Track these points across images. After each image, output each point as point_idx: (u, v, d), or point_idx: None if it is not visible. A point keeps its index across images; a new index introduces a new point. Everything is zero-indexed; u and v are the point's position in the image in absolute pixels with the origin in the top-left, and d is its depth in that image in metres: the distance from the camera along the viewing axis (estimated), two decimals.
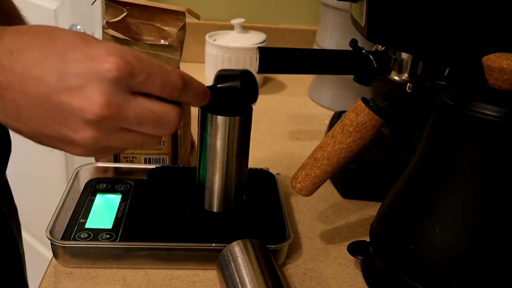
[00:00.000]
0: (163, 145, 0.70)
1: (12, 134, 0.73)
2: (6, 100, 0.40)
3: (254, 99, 0.53)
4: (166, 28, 0.69)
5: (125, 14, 0.67)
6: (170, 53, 0.66)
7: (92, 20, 1.26)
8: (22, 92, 0.40)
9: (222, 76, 0.52)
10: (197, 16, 0.69)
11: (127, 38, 0.66)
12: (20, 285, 0.78)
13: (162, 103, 0.43)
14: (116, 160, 0.71)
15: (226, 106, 0.55)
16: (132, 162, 0.71)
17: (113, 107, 0.40)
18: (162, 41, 0.69)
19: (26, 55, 0.40)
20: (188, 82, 0.44)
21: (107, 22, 0.66)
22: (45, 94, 0.39)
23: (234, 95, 0.52)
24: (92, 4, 0.68)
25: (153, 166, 0.68)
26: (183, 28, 0.68)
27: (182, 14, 0.68)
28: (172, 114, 0.43)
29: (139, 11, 0.68)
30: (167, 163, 0.71)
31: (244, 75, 0.52)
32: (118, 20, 0.66)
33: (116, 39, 0.65)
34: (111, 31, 0.65)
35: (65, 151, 0.43)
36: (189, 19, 0.69)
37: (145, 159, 0.71)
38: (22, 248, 0.80)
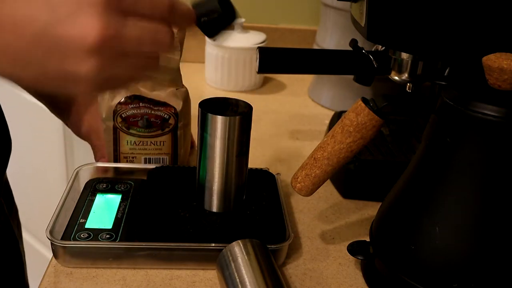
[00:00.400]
0: (163, 145, 0.70)
1: (12, 134, 0.73)
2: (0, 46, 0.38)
3: (233, 15, 0.54)
4: None
5: None
6: (170, 53, 0.66)
7: None
8: (15, 34, 0.38)
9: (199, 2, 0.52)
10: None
11: None
12: (20, 285, 0.78)
13: (153, 20, 0.42)
14: (116, 160, 0.71)
15: (208, 25, 0.54)
16: (132, 162, 0.71)
17: (111, 28, 0.38)
18: None
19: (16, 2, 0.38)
20: (175, 2, 0.43)
21: None
22: (39, 31, 0.37)
23: (212, 11, 0.52)
24: None
25: (153, 166, 0.68)
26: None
27: None
28: (165, 29, 0.42)
29: None
30: (167, 163, 0.71)
31: None
32: None
33: None
34: None
35: (70, 90, 0.42)
36: None
37: (145, 159, 0.71)
38: (23, 248, 0.80)
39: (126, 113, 0.67)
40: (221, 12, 0.53)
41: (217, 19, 0.55)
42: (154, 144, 0.70)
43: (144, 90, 0.67)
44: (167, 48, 0.43)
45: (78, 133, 0.75)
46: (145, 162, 0.71)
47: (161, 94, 0.67)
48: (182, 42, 0.69)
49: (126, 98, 0.67)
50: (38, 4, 0.38)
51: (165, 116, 0.68)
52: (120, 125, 0.68)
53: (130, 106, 0.67)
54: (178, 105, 0.68)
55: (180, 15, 0.45)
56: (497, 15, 0.53)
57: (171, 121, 0.68)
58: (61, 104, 0.75)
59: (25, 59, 0.39)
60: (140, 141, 0.69)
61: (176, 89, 0.68)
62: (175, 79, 0.68)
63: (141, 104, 0.67)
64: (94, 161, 0.72)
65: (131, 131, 0.68)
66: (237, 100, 0.60)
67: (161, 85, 0.67)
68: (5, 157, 0.74)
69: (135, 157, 0.70)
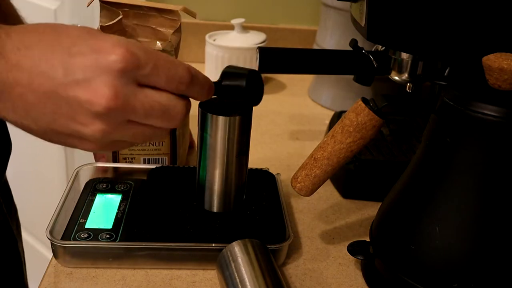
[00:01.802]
0: (162, 145, 0.70)
1: (12, 134, 0.73)
2: (14, 97, 0.40)
3: (258, 101, 0.52)
4: (162, 30, 0.69)
5: (120, 17, 0.66)
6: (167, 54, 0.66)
7: (92, 20, 1.26)
8: (30, 88, 0.40)
9: (228, 73, 0.51)
10: (193, 15, 0.68)
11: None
12: (19, 285, 0.78)
13: (169, 94, 0.43)
14: (115, 160, 0.71)
15: (227, 105, 0.55)
16: (131, 162, 0.71)
17: (120, 98, 0.40)
18: (159, 43, 0.69)
19: (32, 51, 0.40)
20: (195, 76, 0.44)
21: (101, 26, 0.65)
22: (53, 89, 0.39)
23: (238, 94, 0.50)
24: (87, 6, 0.68)
25: (153, 166, 0.68)
26: (178, 31, 0.68)
27: (177, 15, 0.68)
28: (179, 106, 0.43)
29: (134, 13, 0.68)
30: (166, 163, 0.71)
31: (251, 75, 0.50)
32: (113, 23, 0.66)
33: None
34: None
35: (75, 146, 0.43)
36: (189, 19, 0.69)
37: (144, 159, 0.71)
38: (22, 247, 0.80)
39: None
40: (247, 94, 0.50)
41: (238, 103, 0.53)
42: (153, 145, 0.70)
43: None
44: (176, 123, 0.44)
45: None
46: (144, 163, 0.71)
47: None
48: (178, 45, 0.69)
49: None
50: (56, 63, 0.39)
51: None
52: None
53: None
54: None
55: (199, 90, 0.46)
56: (497, 15, 0.53)
57: None
58: None
59: (36, 113, 0.41)
60: None
61: None
62: None
63: None
64: (94, 161, 0.72)
65: None
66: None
67: None
68: (5, 158, 0.74)
69: (134, 158, 0.71)
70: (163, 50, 0.65)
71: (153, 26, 0.69)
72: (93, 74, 0.39)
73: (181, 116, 0.44)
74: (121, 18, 0.66)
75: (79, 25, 0.43)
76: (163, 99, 0.42)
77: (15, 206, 0.81)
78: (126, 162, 0.71)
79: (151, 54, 0.41)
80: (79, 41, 0.40)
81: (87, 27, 0.42)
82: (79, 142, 0.42)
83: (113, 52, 0.39)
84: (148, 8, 0.68)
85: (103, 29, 0.65)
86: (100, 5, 0.67)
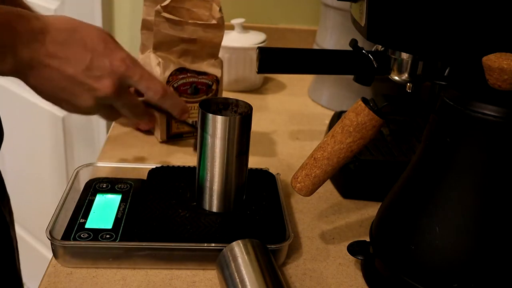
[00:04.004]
0: None
1: (12, 135, 0.73)
2: (43, 73, 0.57)
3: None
4: (195, 10, 0.79)
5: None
6: (216, 29, 0.76)
7: (92, 20, 1.26)
8: (58, 71, 0.57)
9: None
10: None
11: (181, 19, 0.74)
12: (11, 270, 0.79)
13: (139, 101, 0.66)
14: (168, 126, 0.79)
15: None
16: (182, 127, 0.81)
17: (115, 93, 0.60)
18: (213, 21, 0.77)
19: (66, 46, 0.57)
20: (168, 93, 0.66)
21: (161, 6, 0.74)
22: (74, 75, 0.58)
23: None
24: None
25: (153, 166, 0.68)
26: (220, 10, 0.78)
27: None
28: (140, 108, 0.66)
29: None
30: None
31: None
32: (168, 4, 0.75)
33: (170, 21, 0.74)
34: (166, 14, 0.73)
35: (66, 108, 0.61)
36: None
37: (194, 122, 0.80)
38: (15, 234, 0.81)
39: (177, 83, 0.78)
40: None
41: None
42: None
43: (184, 63, 0.78)
44: (138, 118, 0.67)
45: None
46: (193, 125, 0.81)
47: (201, 66, 0.79)
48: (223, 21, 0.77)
49: (174, 70, 0.77)
50: (82, 59, 0.58)
51: (209, 82, 0.80)
52: None
53: (180, 76, 0.78)
54: (218, 73, 0.80)
55: (172, 106, 0.68)
56: (497, 15, 0.53)
57: (214, 86, 0.81)
58: None
59: (53, 85, 0.58)
60: (189, 107, 0.79)
61: (215, 60, 0.80)
62: (213, 53, 0.80)
63: (188, 74, 0.78)
64: (94, 161, 0.72)
65: (182, 98, 0.78)
66: (237, 100, 0.60)
67: (199, 58, 0.79)
68: None
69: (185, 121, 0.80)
70: (217, 24, 0.76)
71: (188, 8, 0.78)
72: (105, 73, 0.59)
73: (142, 115, 0.66)
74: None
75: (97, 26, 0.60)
76: (135, 101, 0.65)
77: (8, 195, 0.82)
78: (177, 127, 0.81)
79: (140, 68, 0.62)
80: (99, 47, 0.59)
81: (105, 32, 0.60)
82: (71, 106, 0.61)
83: (122, 62, 0.60)
84: None
85: (164, 8, 0.74)
86: None
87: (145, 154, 0.79)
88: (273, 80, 1.13)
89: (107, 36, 0.60)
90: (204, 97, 0.80)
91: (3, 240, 0.76)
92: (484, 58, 0.47)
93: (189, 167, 0.68)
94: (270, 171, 0.70)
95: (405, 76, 0.61)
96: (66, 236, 0.57)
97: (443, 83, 0.55)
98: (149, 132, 0.84)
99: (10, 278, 0.79)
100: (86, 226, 0.58)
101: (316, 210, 0.69)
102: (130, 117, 0.65)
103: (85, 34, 0.58)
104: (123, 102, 0.62)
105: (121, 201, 0.63)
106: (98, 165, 0.70)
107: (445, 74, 0.58)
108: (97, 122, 1.33)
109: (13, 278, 0.80)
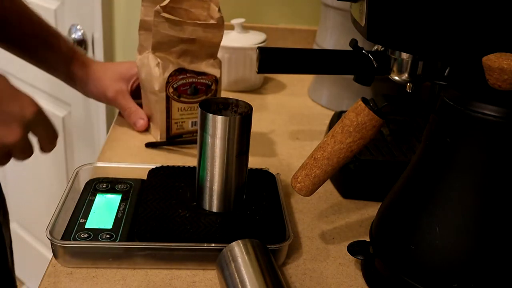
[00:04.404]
0: None
1: None
2: None
3: None
4: (193, 11, 0.78)
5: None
6: (215, 29, 0.76)
7: (92, 20, 1.26)
8: None
9: None
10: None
11: (180, 19, 0.74)
12: (2, 269, 0.79)
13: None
14: (168, 126, 0.79)
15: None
16: (181, 126, 0.80)
17: (20, 140, 0.56)
18: (212, 21, 0.77)
19: None
20: (38, 116, 0.59)
21: (160, 6, 0.73)
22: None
23: None
24: None
25: (153, 166, 0.68)
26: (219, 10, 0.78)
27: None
28: (21, 134, 0.57)
29: None
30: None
31: None
32: (167, 4, 0.74)
33: (170, 21, 0.74)
34: (165, 14, 0.73)
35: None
36: None
37: (192, 122, 0.81)
38: (9, 233, 0.82)
39: (177, 83, 0.78)
40: None
41: None
42: None
43: (183, 63, 0.78)
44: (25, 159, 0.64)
45: (104, 99, 0.86)
46: (192, 125, 0.81)
47: (200, 66, 0.79)
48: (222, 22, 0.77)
49: (174, 71, 0.77)
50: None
51: (209, 83, 0.80)
52: (172, 95, 0.78)
53: (180, 77, 0.78)
54: (217, 73, 0.80)
55: (42, 130, 0.61)
56: (497, 15, 0.53)
57: (213, 86, 0.81)
58: (78, 81, 0.84)
59: None
60: (189, 107, 0.80)
61: (214, 60, 0.80)
62: (212, 53, 0.80)
63: (188, 75, 0.78)
64: (94, 161, 0.72)
65: (181, 99, 0.79)
66: (237, 100, 0.60)
67: (198, 59, 0.79)
68: None
69: (184, 121, 0.81)
70: (217, 24, 0.76)
71: (186, 8, 0.78)
72: (13, 120, 0.55)
73: (13, 140, 0.57)
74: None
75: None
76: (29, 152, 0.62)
77: (3, 195, 0.82)
78: (177, 126, 0.81)
79: (42, 112, 0.59)
80: (7, 91, 0.55)
81: (6, 80, 0.56)
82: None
83: (31, 107, 0.56)
84: None
85: (163, 8, 0.73)
86: None
87: (145, 154, 0.79)
88: (273, 80, 1.13)
89: (8, 85, 0.56)
90: (204, 97, 0.80)
91: None
92: (484, 58, 0.47)
93: (189, 167, 0.68)
94: (270, 171, 0.70)
95: (405, 76, 0.61)
96: (66, 236, 0.57)
97: (443, 83, 0.55)
98: (147, 132, 0.85)
99: (1, 276, 0.79)
100: (86, 226, 0.58)
101: (316, 210, 0.69)
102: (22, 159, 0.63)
103: None
104: (19, 146, 0.58)
105: (121, 201, 0.63)
106: (98, 165, 0.70)
107: (445, 74, 0.58)
108: (97, 122, 1.33)
109: (5, 277, 0.80)
